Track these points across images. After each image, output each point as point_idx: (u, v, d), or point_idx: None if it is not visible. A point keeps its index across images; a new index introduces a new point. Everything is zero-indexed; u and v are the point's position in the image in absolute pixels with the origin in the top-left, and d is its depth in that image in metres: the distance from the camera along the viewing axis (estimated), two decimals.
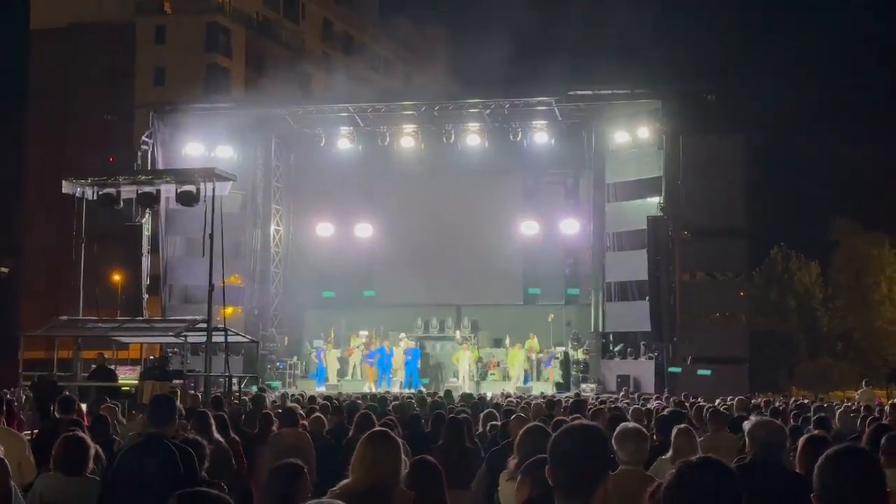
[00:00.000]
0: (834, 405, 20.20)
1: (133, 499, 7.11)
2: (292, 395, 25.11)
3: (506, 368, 37.02)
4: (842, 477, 3.69)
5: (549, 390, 32.65)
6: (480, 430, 12.83)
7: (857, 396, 25.32)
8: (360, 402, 17.89)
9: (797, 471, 6.52)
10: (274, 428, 12.65)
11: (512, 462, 6.86)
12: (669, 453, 8.42)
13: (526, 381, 35.91)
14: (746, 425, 7.24)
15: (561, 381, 35.48)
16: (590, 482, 3.82)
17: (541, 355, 36.91)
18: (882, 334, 61.52)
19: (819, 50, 73.97)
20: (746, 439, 6.91)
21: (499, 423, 12.38)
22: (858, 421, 12.54)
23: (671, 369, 32.22)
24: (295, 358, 39.18)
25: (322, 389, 33.43)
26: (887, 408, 16.51)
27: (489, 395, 27.63)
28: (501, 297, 40.09)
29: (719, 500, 3.34)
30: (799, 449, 6.61)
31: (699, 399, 20.30)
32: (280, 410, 14.93)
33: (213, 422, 10.37)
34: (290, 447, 11.07)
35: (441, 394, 22.79)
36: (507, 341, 37.52)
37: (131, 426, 12.88)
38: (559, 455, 3.91)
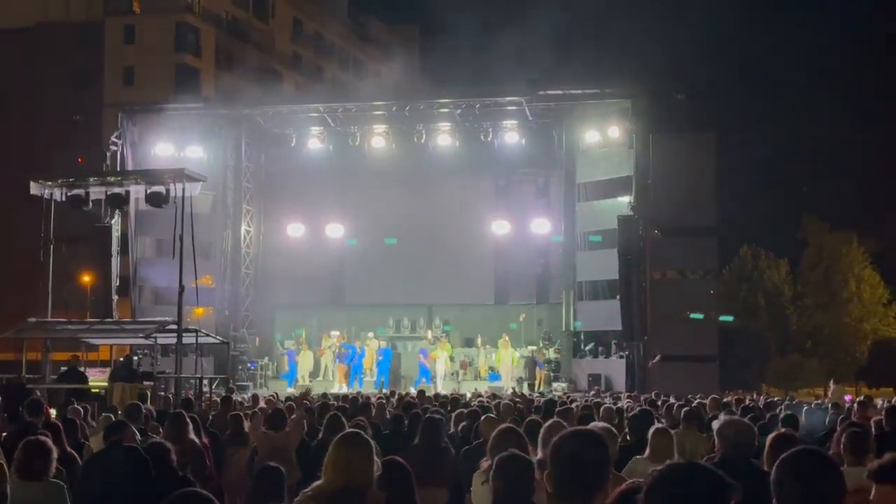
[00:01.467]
0: (803, 404, 20.35)
1: (103, 502, 7.07)
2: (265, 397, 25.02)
3: (478, 368, 37.09)
4: (795, 479, 3.71)
5: (522, 389, 32.70)
6: (452, 429, 12.86)
7: (828, 394, 25.54)
8: (332, 402, 17.85)
9: (766, 469, 6.56)
10: (246, 429, 12.63)
11: (485, 463, 6.88)
12: (646, 453, 8.44)
13: (493, 378, 36.00)
14: (715, 424, 7.29)
15: (519, 375, 35.71)
16: (591, 487, 3.79)
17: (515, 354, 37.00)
18: (850, 332, 62.00)
19: (787, 50, 74.50)
20: (716, 438, 6.95)
21: (466, 422, 12.45)
22: (827, 418, 12.63)
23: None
24: (266, 359, 39.10)
25: (291, 390, 33.36)
26: (856, 405, 16.62)
27: (468, 394, 27.59)
28: (473, 297, 40.17)
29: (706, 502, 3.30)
30: (767, 447, 6.65)
31: (670, 398, 20.38)
32: (253, 411, 14.92)
33: (189, 423, 10.34)
34: (278, 448, 11.09)
35: (414, 393, 22.81)
36: (479, 341, 37.56)
37: (98, 428, 12.82)
38: (561, 460, 3.87)
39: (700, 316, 34.30)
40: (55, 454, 7.49)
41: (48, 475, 7.41)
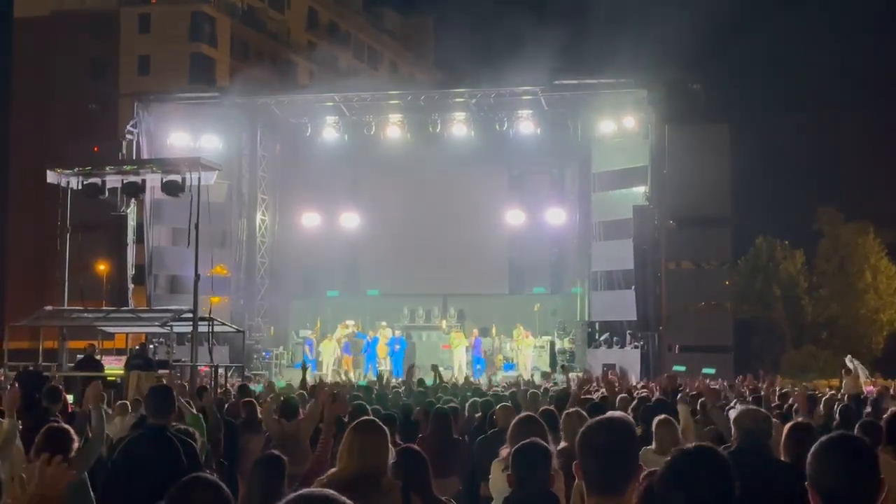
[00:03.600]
0: (818, 393, 20.26)
1: (136, 489, 7.10)
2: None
3: (493, 357, 37.06)
4: (837, 464, 3.70)
5: (538, 378, 32.67)
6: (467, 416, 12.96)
7: (843, 386, 25.38)
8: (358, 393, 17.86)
9: (782, 458, 6.56)
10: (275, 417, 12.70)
11: (504, 451, 6.89)
12: (654, 444, 8.46)
13: (508, 368, 36.01)
14: (732, 413, 7.27)
15: (548, 369, 35.55)
16: (623, 477, 3.75)
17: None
18: (866, 322, 61.79)
19: (803, 39, 74.14)
20: (732, 428, 6.94)
21: (480, 413, 12.49)
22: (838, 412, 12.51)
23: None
24: (281, 348, 39.16)
25: (310, 379, 33.32)
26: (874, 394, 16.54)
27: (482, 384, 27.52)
28: (487, 287, 40.18)
29: (713, 488, 3.36)
30: (784, 437, 6.64)
31: (686, 387, 20.30)
32: (264, 400, 14.93)
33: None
34: (289, 437, 11.13)
35: (428, 382, 22.81)
36: (494, 330, 37.55)
37: (113, 415, 12.89)
38: (592, 449, 3.80)
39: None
40: (77, 443, 7.54)
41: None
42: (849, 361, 26.57)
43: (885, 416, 8.11)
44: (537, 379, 32.08)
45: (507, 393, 16.92)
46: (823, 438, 3.81)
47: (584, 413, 8.30)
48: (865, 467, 3.69)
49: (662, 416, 8.97)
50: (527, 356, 36.13)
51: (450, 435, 11.00)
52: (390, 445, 5.79)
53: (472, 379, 28.95)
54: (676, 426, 8.77)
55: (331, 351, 36.81)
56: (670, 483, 3.40)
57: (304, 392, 15.56)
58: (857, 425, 8.17)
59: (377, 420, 6.03)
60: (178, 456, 7.28)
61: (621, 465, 3.77)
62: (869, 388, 24.92)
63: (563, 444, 6.98)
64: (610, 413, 4.20)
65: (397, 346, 36.51)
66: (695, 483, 3.36)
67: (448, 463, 10.10)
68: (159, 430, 7.60)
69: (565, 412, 7.19)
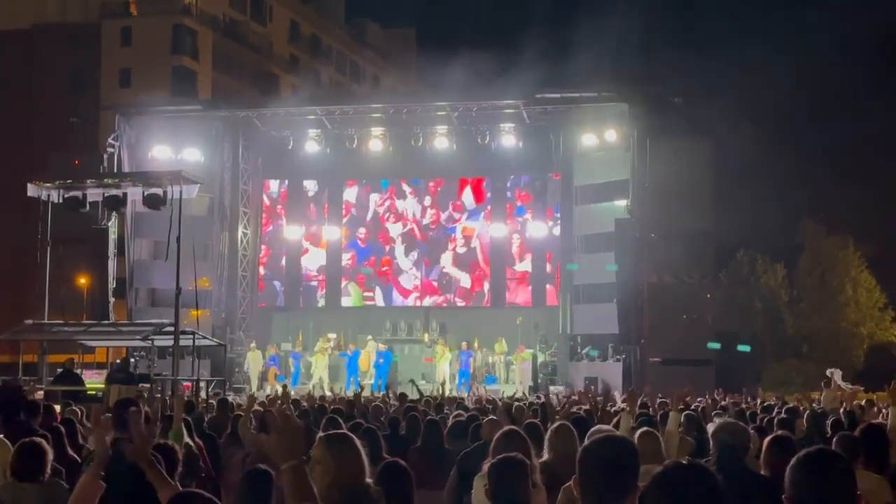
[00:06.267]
0: (800, 407, 20.30)
1: None
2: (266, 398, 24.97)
3: (474, 371, 37.01)
4: (815, 479, 3.72)
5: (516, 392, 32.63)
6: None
7: (821, 398, 25.44)
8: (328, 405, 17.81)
9: (762, 473, 6.56)
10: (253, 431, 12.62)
11: (486, 465, 6.87)
12: None
13: (490, 381, 36.00)
14: (710, 427, 7.29)
15: (530, 382, 35.55)
16: (623, 494, 3.77)
17: (508, 357, 37.00)
18: (847, 336, 61.98)
19: (783, 54, 74.55)
20: (710, 441, 6.95)
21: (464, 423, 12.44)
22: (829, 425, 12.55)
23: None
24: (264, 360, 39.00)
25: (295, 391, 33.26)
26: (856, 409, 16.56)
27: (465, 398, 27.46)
28: (469, 300, 40.28)
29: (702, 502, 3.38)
30: (763, 450, 6.64)
31: (667, 400, 20.31)
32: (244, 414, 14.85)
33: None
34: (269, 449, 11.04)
35: (411, 396, 22.75)
36: (476, 344, 37.51)
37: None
38: (593, 464, 3.84)
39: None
40: (51, 455, 7.50)
41: (43, 477, 7.42)
42: (829, 373, 26.64)
43: (860, 428, 8.14)
44: (517, 392, 32.03)
45: (491, 406, 16.89)
46: (801, 453, 3.83)
47: (571, 427, 8.29)
48: (842, 482, 3.71)
49: (645, 428, 8.97)
50: (521, 370, 36.13)
51: (441, 445, 10.98)
52: (363, 455, 5.71)
53: (455, 392, 28.94)
54: (659, 438, 8.77)
55: (323, 365, 36.79)
56: (657, 496, 3.42)
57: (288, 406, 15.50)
58: (833, 439, 8.19)
59: (347, 432, 5.97)
60: (140, 472, 7.21)
61: (622, 481, 3.79)
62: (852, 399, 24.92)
63: (545, 458, 6.96)
64: (609, 430, 4.23)
65: (381, 360, 36.45)
66: (684, 496, 3.37)
67: (437, 474, 10.05)
68: (119, 443, 7.52)
69: (553, 426, 7.18)
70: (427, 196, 41.45)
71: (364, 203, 41.88)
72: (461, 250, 40.98)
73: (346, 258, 41.72)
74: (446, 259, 41.02)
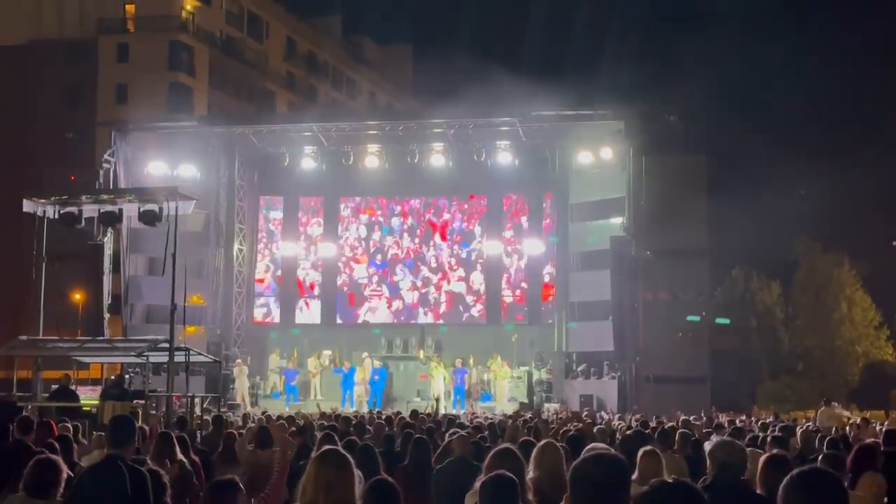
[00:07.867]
0: (796, 425, 20.31)
1: None
2: (263, 414, 24.96)
3: (469, 388, 36.97)
4: (808, 498, 3.72)
5: (511, 409, 32.63)
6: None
7: (817, 416, 25.45)
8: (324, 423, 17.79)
9: (758, 491, 6.55)
10: (250, 447, 12.59)
11: (479, 482, 6.84)
12: (635, 475, 8.41)
13: (485, 399, 35.96)
14: (707, 446, 7.28)
15: (525, 400, 35.51)
16: None
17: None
18: (842, 354, 61.95)
19: (778, 72, 74.79)
20: (707, 460, 6.94)
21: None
22: (816, 441, 12.61)
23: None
24: (258, 378, 38.97)
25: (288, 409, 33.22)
26: (848, 429, 16.58)
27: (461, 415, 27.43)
28: (465, 317, 40.24)
29: None
30: (759, 469, 6.64)
31: (663, 418, 20.37)
32: (240, 431, 14.86)
33: (175, 442, 10.34)
34: (264, 467, 11.05)
35: (407, 415, 22.74)
36: (471, 361, 37.48)
37: (91, 447, 12.78)
38: (583, 482, 3.83)
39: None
40: (65, 473, 7.50)
41: (56, 494, 7.40)
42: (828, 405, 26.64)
43: (855, 448, 8.15)
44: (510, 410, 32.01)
45: (487, 424, 16.88)
46: (794, 472, 3.84)
47: (560, 445, 8.27)
48: (835, 501, 3.72)
49: (648, 447, 8.94)
50: (503, 387, 36.06)
51: (428, 463, 10.95)
52: (357, 475, 5.71)
53: (450, 410, 28.89)
54: (661, 458, 8.74)
55: (318, 382, 36.75)
56: None
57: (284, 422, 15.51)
58: (821, 458, 8.19)
59: (341, 450, 5.95)
60: (121, 486, 7.22)
61: (612, 499, 3.79)
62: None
63: (531, 475, 6.93)
64: (603, 448, 4.24)
65: (376, 377, 36.39)
66: None
67: (424, 491, 10.04)
68: (112, 460, 7.52)
69: (539, 444, 7.16)
70: (423, 213, 41.48)
71: (359, 220, 41.90)
72: (456, 267, 40.96)
73: (343, 275, 41.70)
74: (442, 276, 41.00)
